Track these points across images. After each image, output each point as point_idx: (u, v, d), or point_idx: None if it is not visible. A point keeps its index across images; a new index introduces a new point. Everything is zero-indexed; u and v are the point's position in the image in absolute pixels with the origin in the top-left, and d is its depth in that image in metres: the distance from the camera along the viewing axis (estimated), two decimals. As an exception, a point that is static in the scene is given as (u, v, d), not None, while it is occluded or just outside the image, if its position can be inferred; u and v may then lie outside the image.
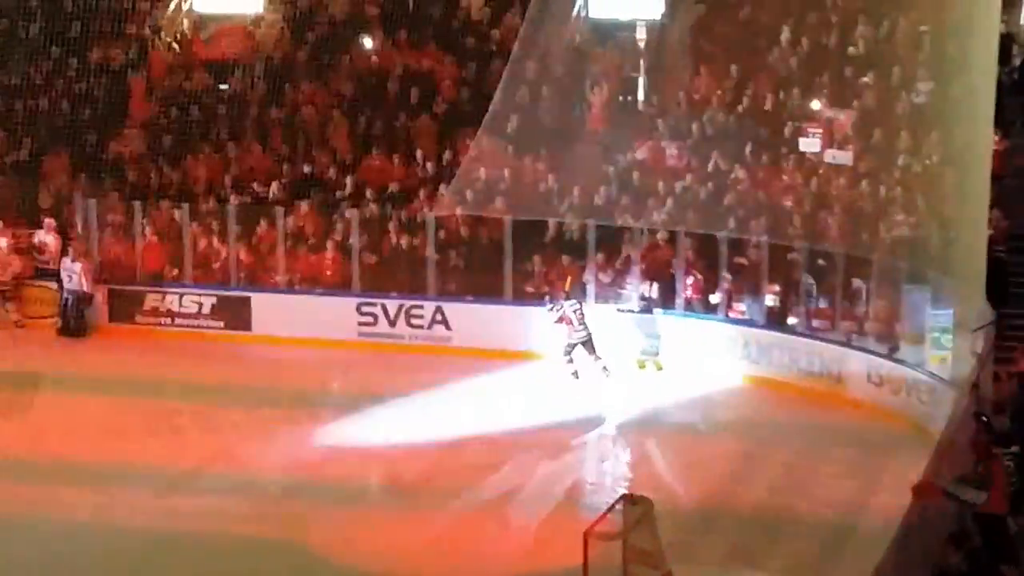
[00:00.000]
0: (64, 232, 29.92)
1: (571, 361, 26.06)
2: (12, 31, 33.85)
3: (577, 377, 25.95)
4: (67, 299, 28.90)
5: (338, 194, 29.86)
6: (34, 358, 27.49)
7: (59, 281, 29.06)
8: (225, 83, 32.96)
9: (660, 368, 26.73)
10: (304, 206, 29.31)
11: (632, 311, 27.04)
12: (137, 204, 29.75)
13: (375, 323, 27.95)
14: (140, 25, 34.05)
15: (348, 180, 30.04)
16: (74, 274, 28.81)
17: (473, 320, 27.45)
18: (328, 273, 28.68)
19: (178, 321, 28.84)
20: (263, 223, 29.15)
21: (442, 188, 28.85)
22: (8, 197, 30.75)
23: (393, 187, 29.67)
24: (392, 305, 27.91)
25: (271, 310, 28.51)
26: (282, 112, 31.82)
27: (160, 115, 32.48)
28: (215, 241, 29.35)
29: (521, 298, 27.50)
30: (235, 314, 28.54)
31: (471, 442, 23.06)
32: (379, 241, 28.67)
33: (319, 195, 29.75)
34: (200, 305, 28.79)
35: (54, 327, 29.10)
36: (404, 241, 28.49)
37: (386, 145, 30.61)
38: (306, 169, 30.62)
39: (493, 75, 30.25)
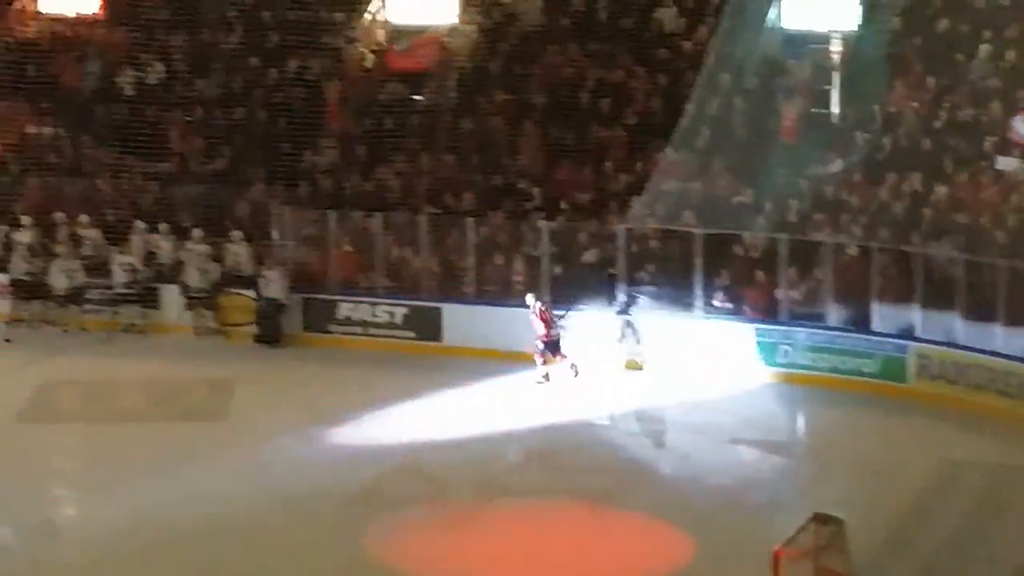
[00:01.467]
0: (259, 241, 30.41)
1: (545, 363, 26.53)
2: (213, 42, 34.54)
3: (548, 380, 26.49)
4: (263, 307, 29.35)
5: (528, 205, 29.97)
6: (229, 365, 27.91)
7: (255, 289, 29.55)
8: (418, 93, 33.28)
9: (640, 368, 27.09)
10: (495, 217, 29.44)
11: (619, 312, 27.44)
12: (331, 213, 30.08)
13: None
14: (336, 36, 34.57)
15: (539, 191, 30.15)
16: (270, 282, 29.26)
17: (664, 334, 27.35)
18: (518, 284, 28.75)
19: (370, 331, 29.09)
20: (454, 233, 29.34)
21: (633, 200, 28.84)
22: (206, 206, 31.32)
23: (583, 199, 29.71)
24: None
25: (462, 321, 28.65)
26: (474, 123, 32.03)
27: (354, 125, 32.91)
28: (407, 251, 29.60)
29: (711, 312, 27.34)
30: (426, 325, 28.73)
31: (650, 456, 23.14)
32: (569, 253, 28.70)
33: (510, 206, 29.86)
34: (392, 315, 29.05)
35: (250, 335, 29.56)
36: (594, 253, 28.48)
37: (577, 156, 30.68)
38: (497, 180, 30.78)
39: (685, 87, 30.22)
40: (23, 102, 34.33)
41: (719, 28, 30.52)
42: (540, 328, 26.68)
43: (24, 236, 31.01)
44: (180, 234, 30.76)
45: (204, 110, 33.53)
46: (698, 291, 27.32)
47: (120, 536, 19.44)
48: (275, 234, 30.15)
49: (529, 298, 27.05)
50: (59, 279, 30.00)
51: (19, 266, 30.53)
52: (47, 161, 33.44)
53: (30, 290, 30.34)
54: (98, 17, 36.00)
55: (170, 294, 30.15)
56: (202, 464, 22.36)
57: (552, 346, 26.70)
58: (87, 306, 30.20)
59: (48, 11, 36.35)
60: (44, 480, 22.02)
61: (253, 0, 34.99)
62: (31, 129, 34.12)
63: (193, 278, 29.78)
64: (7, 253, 31.14)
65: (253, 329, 29.47)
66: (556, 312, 27.06)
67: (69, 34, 35.85)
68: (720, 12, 30.84)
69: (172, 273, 30.39)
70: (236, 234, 30.27)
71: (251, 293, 29.59)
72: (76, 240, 31.05)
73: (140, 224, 30.94)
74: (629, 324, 27.44)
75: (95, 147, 33.38)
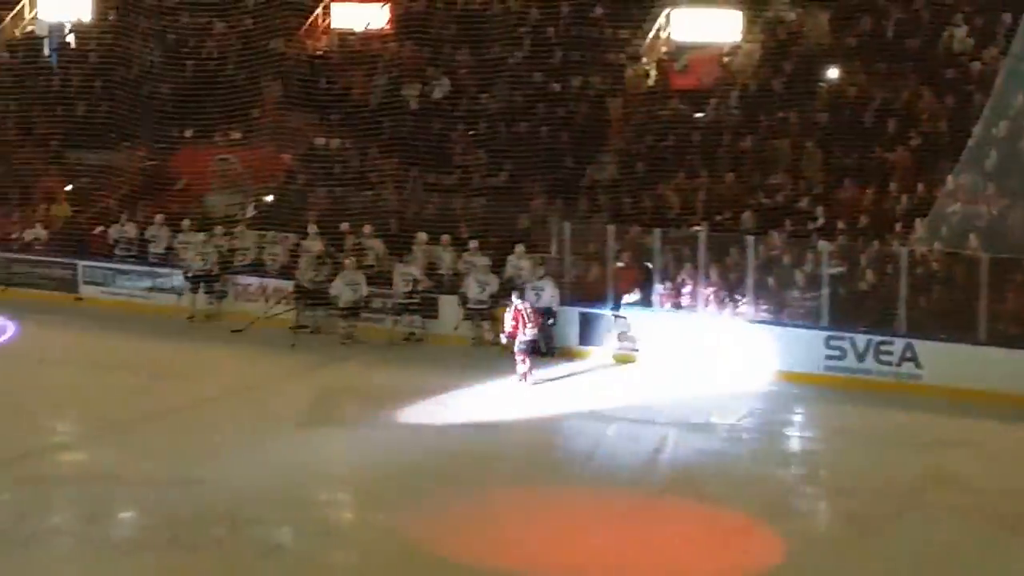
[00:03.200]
0: (538, 254, 30.54)
1: (524, 361, 27.29)
2: (498, 58, 34.98)
3: (525, 380, 27.31)
4: (535, 319, 29.48)
5: (810, 225, 29.61)
6: (502, 376, 27.93)
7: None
8: (700, 111, 33.19)
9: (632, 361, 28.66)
10: (775, 236, 29.14)
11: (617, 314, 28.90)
12: (610, 228, 30.10)
13: (843, 357, 27.56)
14: (620, 53, 34.70)
15: (820, 211, 29.78)
16: (542, 292, 29.36)
17: (945, 359, 26.76)
18: (795, 305, 28.40)
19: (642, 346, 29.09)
20: (733, 251, 29.11)
21: (916, 223, 28.32)
22: (487, 219, 31.65)
23: (865, 220, 29.26)
24: (861, 340, 27.44)
25: (739, 339, 28.41)
26: (755, 141, 31.79)
27: (635, 142, 32.95)
28: (685, 267, 29.45)
29: (996, 339, 26.64)
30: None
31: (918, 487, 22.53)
32: (850, 274, 28.25)
33: (791, 225, 29.51)
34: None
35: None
36: (875, 275, 27.99)
37: (859, 177, 30.23)
38: (778, 199, 30.49)
39: (973, 108, 29.58)
40: (313, 114, 35.27)
41: (1011, 48, 29.81)
42: (509, 326, 27.44)
43: (311, 245, 31.73)
44: (461, 246, 31.13)
45: (487, 124, 33.95)
46: (983, 317, 26.68)
47: (391, 540, 19.72)
48: (553, 247, 30.28)
49: (514, 296, 27.85)
50: (343, 290, 30.60)
51: (306, 274, 31.26)
52: (334, 172, 34.27)
53: (314, 298, 31.08)
54: (387, 32, 36.84)
55: (449, 305, 30.52)
56: (471, 472, 22.57)
57: (526, 345, 27.33)
58: (368, 315, 30.78)
59: (339, 26, 37.34)
60: (320, 484, 22.44)
61: (539, 16, 35.36)
62: (319, 140, 35.03)
63: (472, 290, 30.04)
64: (294, 261, 31.96)
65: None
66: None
67: (359, 48, 36.75)
68: (1012, 32, 30.14)
69: (452, 284, 30.75)
70: (520, 247, 30.45)
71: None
72: (360, 250, 31.67)
73: (422, 235, 31.39)
74: (620, 320, 28.80)
75: (380, 159, 34.08)
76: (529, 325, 27.44)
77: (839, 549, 19.87)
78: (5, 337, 31.13)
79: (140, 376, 27.61)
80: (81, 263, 34.52)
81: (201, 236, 32.89)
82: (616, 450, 24.34)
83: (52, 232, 35.61)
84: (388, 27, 37.14)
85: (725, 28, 34.16)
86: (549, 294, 29.32)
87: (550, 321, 29.31)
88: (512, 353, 27.56)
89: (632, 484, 22.32)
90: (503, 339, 27.87)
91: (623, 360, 28.81)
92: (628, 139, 33.17)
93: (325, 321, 31.07)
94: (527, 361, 27.46)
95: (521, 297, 27.98)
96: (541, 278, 29.50)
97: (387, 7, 37.22)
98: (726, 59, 34.02)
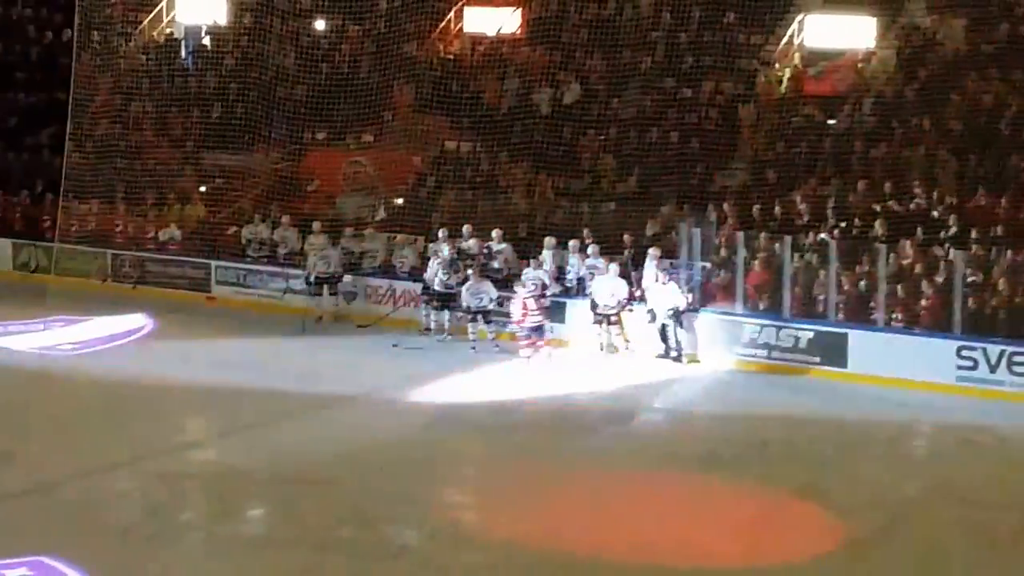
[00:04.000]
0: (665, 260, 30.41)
1: (531, 344, 29.05)
2: (629, 63, 34.93)
3: (529, 360, 29.05)
4: (663, 325, 29.34)
5: (943, 234, 29.25)
6: (628, 383, 28.12)
7: (649, 308, 29.56)
8: (832, 118, 32.91)
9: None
10: (907, 245, 28.82)
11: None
12: (740, 235, 29.90)
13: (975, 368, 27.17)
14: (752, 59, 34.51)
15: (953, 220, 29.42)
16: (666, 296, 29.20)
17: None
18: (928, 313, 28.09)
19: (774, 354, 28.83)
20: (864, 260, 28.80)
21: (1051, 232, 27.97)
22: (612, 226, 31.59)
23: (999, 229, 28.86)
24: (994, 351, 27.04)
25: (868, 348, 28.12)
26: (888, 149, 31.46)
27: (767, 148, 32.74)
28: (815, 275, 29.23)
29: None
30: (832, 350, 28.31)
31: None
32: (983, 284, 27.89)
33: (924, 234, 29.16)
34: (797, 339, 28.73)
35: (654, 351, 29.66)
36: (1008, 285, 27.59)
37: (995, 186, 29.82)
38: (910, 207, 30.16)
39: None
40: (444, 118, 35.45)
41: None
42: (517, 314, 29.17)
43: (442, 248, 31.77)
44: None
45: (618, 130, 33.90)
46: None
47: (519, 542, 19.72)
48: (682, 253, 30.12)
49: (518, 286, 29.48)
50: (470, 300, 30.61)
51: (436, 276, 31.32)
52: (464, 176, 34.40)
53: (443, 300, 31.19)
54: (518, 36, 36.94)
55: (577, 309, 30.47)
56: (597, 480, 22.50)
57: (535, 331, 29.12)
58: (496, 318, 30.80)
59: (471, 30, 37.51)
60: (449, 485, 22.59)
61: (670, 22, 35.26)
62: (451, 144, 35.20)
63: (602, 296, 29.89)
64: (423, 264, 32.09)
65: (657, 346, 29.52)
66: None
67: (490, 52, 36.87)
68: None
69: (579, 289, 30.72)
70: (654, 251, 30.19)
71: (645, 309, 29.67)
72: (488, 254, 31.72)
73: (550, 240, 31.38)
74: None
75: (510, 163, 34.17)
76: (534, 311, 28.87)
77: (966, 563, 19.61)
78: (141, 334, 31.64)
79: (269, 376, 27.89)
80: (214, 263, 35.01)
81: (322, 239, 33.16)
82: (732, 447, 24.30)
83: (186, 232, 36.14)
84: (520, 31, 37.25)
85: (859, 34, 33.85)
86: (674, 299, 29.17)
87: (676, 326, 29.22)
88: (519, 339, 29.27)
89: (758, 482, 22.32)
90: (520, 330, 29.16)
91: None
92: (759, 146, 32.97)
93: (454, 324, 31.16)
94: (537, 344, 29.02)
95: (525, 286, 29.21)
96: (665, 283, 29.35)
97: (519, 11, 37.32)
98: (859, 65, 33.71)
